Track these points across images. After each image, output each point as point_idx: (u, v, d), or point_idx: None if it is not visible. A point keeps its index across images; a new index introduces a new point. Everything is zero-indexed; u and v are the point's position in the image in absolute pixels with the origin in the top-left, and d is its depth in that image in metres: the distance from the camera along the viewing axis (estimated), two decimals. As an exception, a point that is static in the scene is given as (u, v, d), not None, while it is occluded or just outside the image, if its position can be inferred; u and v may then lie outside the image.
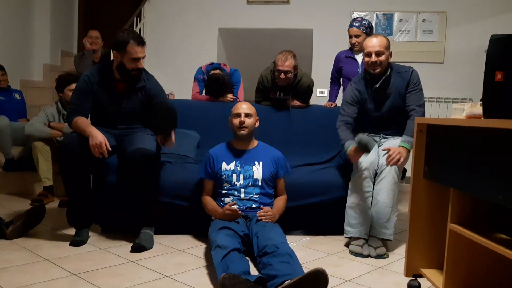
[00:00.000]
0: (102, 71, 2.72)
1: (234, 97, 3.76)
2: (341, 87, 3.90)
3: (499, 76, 1.41)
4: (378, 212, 2.58)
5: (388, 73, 2.76)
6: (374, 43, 2.71)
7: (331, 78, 3.95)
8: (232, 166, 2.64)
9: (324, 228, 2.94)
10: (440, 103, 5.32)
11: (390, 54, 2.76)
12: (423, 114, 2.74)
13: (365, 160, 2.62)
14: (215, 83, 3.64)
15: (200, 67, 3.91)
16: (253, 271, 2.12)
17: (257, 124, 2.74)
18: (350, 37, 3.67)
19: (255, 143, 2.75)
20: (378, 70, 2.73)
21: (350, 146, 2.63)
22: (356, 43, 3.63)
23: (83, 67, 4.54)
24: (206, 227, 2.52)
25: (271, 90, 3.58)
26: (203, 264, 2.33)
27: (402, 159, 2.59)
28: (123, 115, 2.75)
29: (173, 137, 2.69)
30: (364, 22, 3.63)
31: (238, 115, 2.66)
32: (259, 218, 2.47)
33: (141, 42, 2.64)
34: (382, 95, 2.79)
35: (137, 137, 2.66)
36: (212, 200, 2.64)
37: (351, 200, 2.65)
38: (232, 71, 3.87)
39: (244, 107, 2.69)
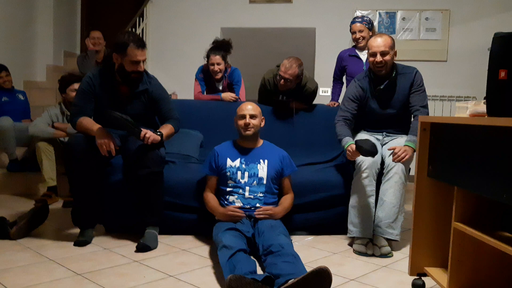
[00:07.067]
0: (104, 73, 2.70)
1: (237, 96, 3.75)
2: (344, 86, 3.89)
3: (502, 74, 1.41)
4: (384, 212, 2.57)
5: (393, 74, 2.75)
6: (379, 42, 2.68)
7: (334, 77, 3.93)
8: (237, 163, 2.63)
9: (328, 228, 2.94)
10: (444, 101, 5.31)
11: (395, 54, 2.74)
12: (427, 115, 2.73)
13: (366, 159, 2.61)
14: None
15: (202, 66, 3.90)
16: (259, 271, 2.11)
17: (262, 124, 2.73)
18: (354, 33, 3.66)
19: (260, 142, 2.75)
20: (383, 71, 2.71)
21: (349, 143, 2.63)
22: (360, 38, 3.62)
23: (86, 67, 4.54)
24: (210, 227, 2.52)
25: (273, 94, 3.57)
26: (207, 263, 2.33)
27: (407, 157, 2.59)
28: None
29: (147, 134, 2.53)
30: (365, 18, 3.67)
31: (243, 116, 2.65)
32: (256, 216, 2.48)
33: (141, 45, 2.60)
34: (386, 95, 2.79)
35: None
36: (215, 198, 2.64)
37: (354, 199, 2.65)
38: (232, 70, 3.86)
39: (249, 108, 2.67)
